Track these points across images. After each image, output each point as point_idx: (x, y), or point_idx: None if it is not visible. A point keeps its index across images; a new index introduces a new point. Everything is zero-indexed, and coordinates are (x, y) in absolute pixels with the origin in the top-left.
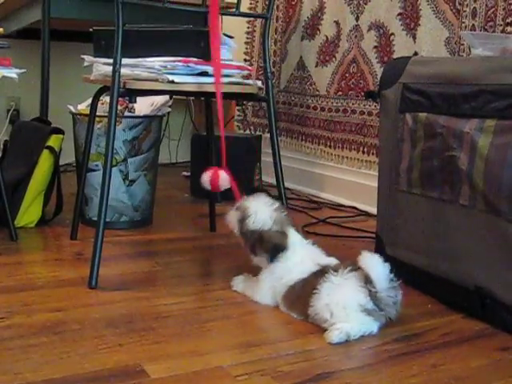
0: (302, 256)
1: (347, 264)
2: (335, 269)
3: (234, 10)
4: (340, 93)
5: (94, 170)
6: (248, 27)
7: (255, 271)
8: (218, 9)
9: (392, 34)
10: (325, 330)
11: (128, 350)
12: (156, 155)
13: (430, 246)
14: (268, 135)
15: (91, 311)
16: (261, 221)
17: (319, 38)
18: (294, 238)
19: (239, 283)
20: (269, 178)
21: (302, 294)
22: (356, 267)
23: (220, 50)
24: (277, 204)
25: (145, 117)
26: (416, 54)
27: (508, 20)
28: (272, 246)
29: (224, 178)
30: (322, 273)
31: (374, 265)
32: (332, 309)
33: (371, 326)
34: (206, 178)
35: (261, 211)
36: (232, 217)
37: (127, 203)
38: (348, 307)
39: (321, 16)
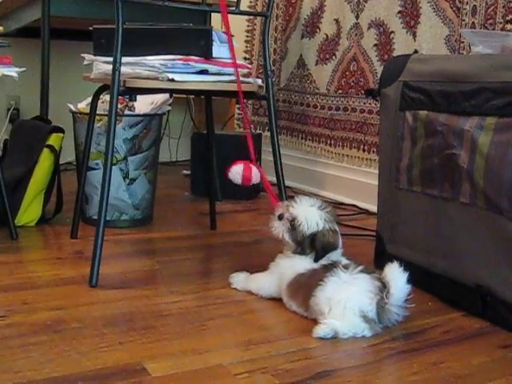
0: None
1: (359, 264)
2: (346, 266)
3: (234, 8)
4: (340, 91)
5: (95, 169)
6: (248, 25)
7: (257, 270)
8: (225, 8)
9: (392, 31)
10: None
11: (128, 348)
12: (156, 154)
13: (431, 244)
14: (268, 133)
15: (92, 310)
16: (314, 225)
17: (319, 36)
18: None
19: (239, 281)
20: (269, 176)
21: (307, 283)
22: (369, 270)
23: (235, 51)
24: (319, 202)
25: (145, 115)
26: (416, 51)
27: (508, 18)
28: (324, 245)
29: (256, 173)
30: (331, 266)
31: (398, 278)
32: (332, 304)
33: (364, 331)
34: (238, 170)
35: (310, 215)
36: (279, 227)
37: (127, 202)
38: (348, 308)
39: (321, 14)
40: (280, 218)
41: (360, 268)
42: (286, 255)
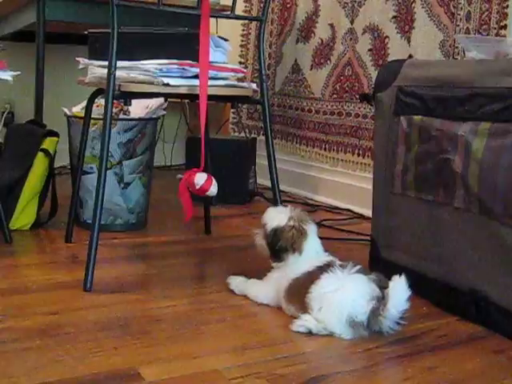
0: (314, 254)
1: (356, 264)
2: (342, 265)
3: (229, 12)
4: (335, 95)
5: (89, 173)
6: (243, 30)
7: (251, 274)
8: (209, 11)
9: (387, 36)
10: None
11: (123, 353)
12: (151, 158)
13: (425, 249)
14: (263, 138)
15: (86, 314)
16: (276, 221)
17: (314, 41)
18: (313, 238)
19: (238, 284)
20: (264, 180)
21: (303, 284)
22: (366, 271)
23: (209, 53)
24: (291, 208)
25: (140, 119)
26: (411, 56)
27: (502, 23)
28: (284, 240)
29: (214, 186)
30: (327, 266)
31: (401, 295)
32: (323, 305)
33: (343, 334)
34: (201, 178)
35: (276, 215)
36: (258, 239)
37: (122, 206)
38: (337, 312)
39: (316, 19)
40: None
41: (357, 268)
42: (276, 267)
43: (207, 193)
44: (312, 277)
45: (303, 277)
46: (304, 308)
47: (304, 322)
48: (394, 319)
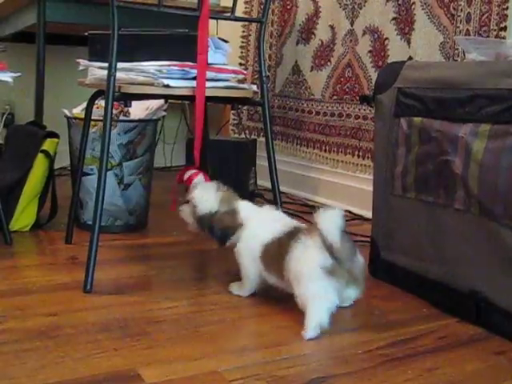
0: (263, 218)
1: (311, 225)
2: (304, 231)
3: (229, 14)
4: (335, 97)
5: (89, 174)
6: (243, 31)
7: None
8: (208, 13)
9: (386, 38)
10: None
11: (123, 354)
12: (151, 159)
13: (425, 250)
14: (263, 139)
15: (86, 315)
16: (208, 206)
17: (314, 43)
18: (246, 209)
19: (238, 287)
20: (264, 182)
21: (277, 254)
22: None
23: (207, 54)
24: (219, 184)
25: (140, 121)
26: (410, 58)
27: (502, 25)
28: (223, 231)
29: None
30: (293, 234)
31: (325, 218)
32: (298, 276)
33: (332, 293)
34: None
35: (205, 196)
36: (185, 212)
37: (122, 207)
38: (310, 270)
39: (316, 20)
40: (187, 201)
41: (315, 229)
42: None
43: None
44: (283, 246)
45: (275, 244)
46: (282, 277)
47: (316, 325)
48: (339, 238)
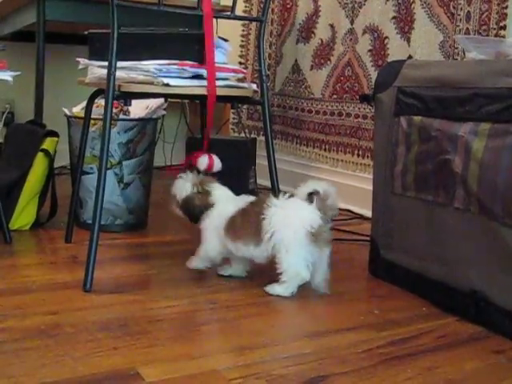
0: (232, 198)
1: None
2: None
3: (229, 13)
4: (335, 96)
5: (89, 173)
6: (243, 30)
7: (251, 272)
8: (212, 12)
9: (386, 37)
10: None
11: (123, 353)
12: (151, 158)
13: (425, 249)
14: (263, 138)
15: (86, 314)
16: (183, 190)
17: (314, 42)
18: (219, 191)
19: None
20: (264, 181)
21: (244, 222)
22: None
23: (214, 53)
24: (197, 173)
25: (140, 120)
26: (410, 57)
27: (502, 24)
28: (193, 209)
29: (217, 163)
30: (259, 201)
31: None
32: (280, 223)
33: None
34: (204, 159)
35: (181, 184)
36: (174, 208)
37: (122, 206)
38: (297, 226)
39: (316, 19)
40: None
41: (288, 195)
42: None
43: (213, 169)
44: (250, 214)
45: (240, 214)
46: (254, 242)
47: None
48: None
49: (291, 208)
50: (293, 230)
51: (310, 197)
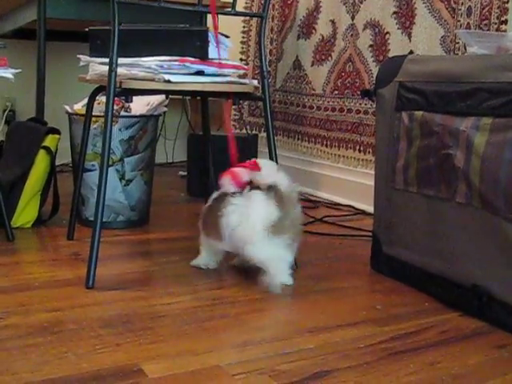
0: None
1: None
2: (235, 193)
3: (229, 9)
4: (336, 92)
5: (91, 170)
6: (244, 26)
7: (251, 270)
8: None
9: (387, 32)
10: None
11: (125, 349)
12: (152, 155)
13: (427, 244)
14: (264, 134)
15: (88, 311)
16: None
17: (315, 37)
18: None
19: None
20: None
21: (211, 218)
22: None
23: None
24: None
25: (141, 116)
26: (411, 52)
27: (503, 18)
28: None
29: (243, 172)
30: (221, 197)
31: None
32: (243, 234)
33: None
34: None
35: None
36: None
37: (124, 203)
38: (256, 226)
39: (316, 15)
40: None
41: (249, 188)
42: None
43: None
44: (215, 210)
45: (207, 209)
46: (219, 238)
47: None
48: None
49: (249, 205)
50: (251, 226)
51: (270, 188)
